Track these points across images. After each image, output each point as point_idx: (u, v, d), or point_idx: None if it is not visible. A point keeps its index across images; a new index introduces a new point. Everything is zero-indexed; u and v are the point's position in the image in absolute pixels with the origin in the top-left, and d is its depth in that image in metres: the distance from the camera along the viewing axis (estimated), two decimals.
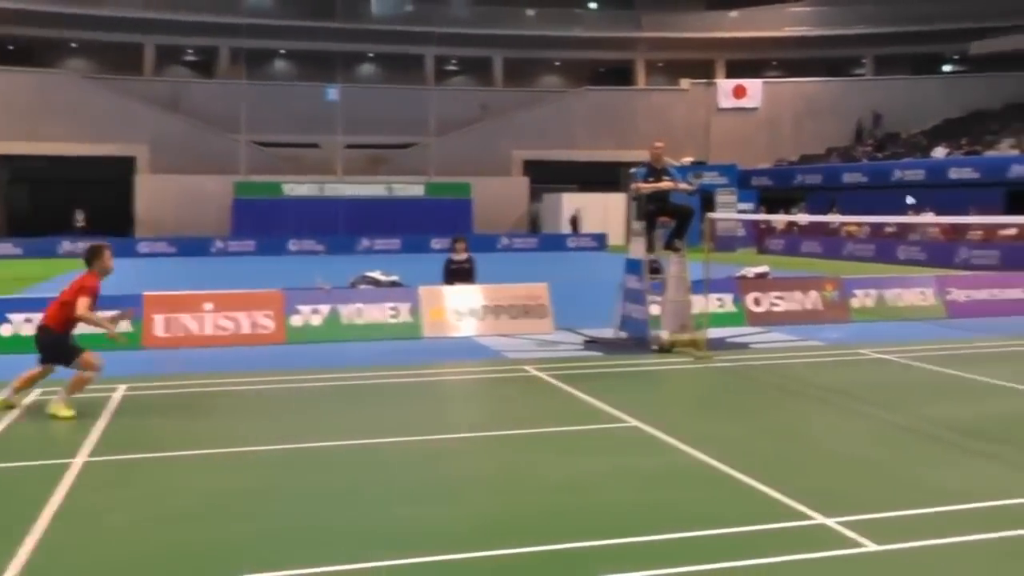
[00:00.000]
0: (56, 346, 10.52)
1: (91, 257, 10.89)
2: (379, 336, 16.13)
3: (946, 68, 63.99)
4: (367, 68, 63.83)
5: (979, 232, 36.23)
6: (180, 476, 8.19)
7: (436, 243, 42.65)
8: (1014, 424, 10.31)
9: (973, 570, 6.06)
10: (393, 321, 16.55)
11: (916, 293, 19.85)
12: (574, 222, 51.54)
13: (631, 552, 6.32)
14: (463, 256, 18.44)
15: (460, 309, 16.97)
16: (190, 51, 61.11)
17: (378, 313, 16.60)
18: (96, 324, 10.75)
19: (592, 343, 15.88)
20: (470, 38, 59.81)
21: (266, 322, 15.94)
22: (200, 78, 60.36)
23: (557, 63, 65.03)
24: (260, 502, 7.49)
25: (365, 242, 46.05)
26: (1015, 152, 44.58)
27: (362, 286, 18.13)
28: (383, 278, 18.66)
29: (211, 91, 56.54)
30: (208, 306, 15.82)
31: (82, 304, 10.38)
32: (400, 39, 59.14)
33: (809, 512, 7.06)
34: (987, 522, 6.89)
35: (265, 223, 47.18)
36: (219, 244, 45.14)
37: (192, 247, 43.53)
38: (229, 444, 9.23)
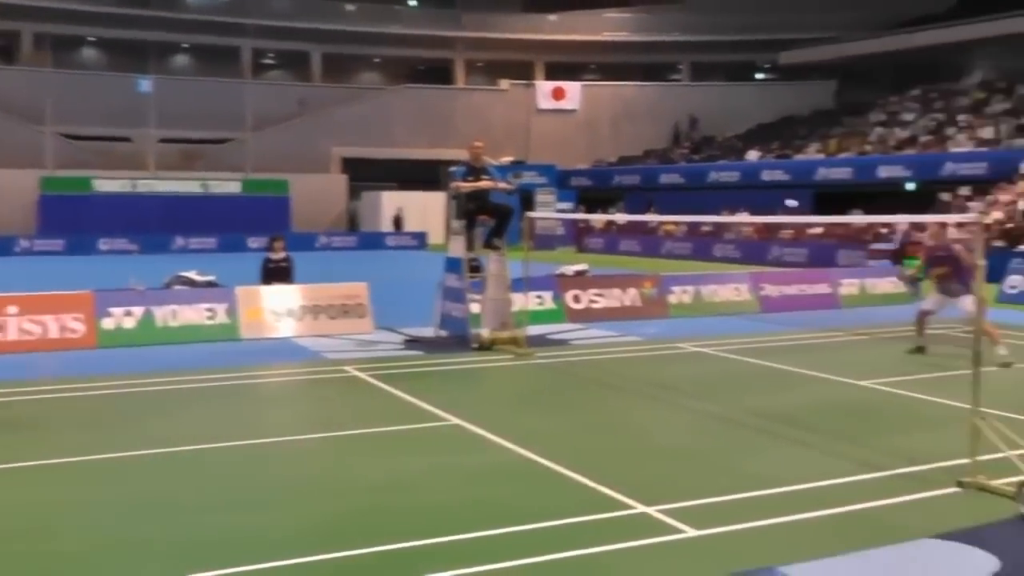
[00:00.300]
0: None
1: None
2: (195, 338, 15.63)
3: (759, 76, 66.25)
4: (181, 59, 61.94)
5: (789, 231, 37.73)
6: None
7: (253, 242, 41.80)
8: (822, 411, 10.73)
9: (784, 550, 6.23)
10: (209, 323, 16.08)
11: (731, 289, 20.48)
12: (397, 221, 51.24)
13: (456, 550, 6.28)
14: (281, 255, 18.12)
15: (278, 309, 16.63)
16: None
17: (194, 314, 16.08)
18: None
19: (412, 342, 15.83)
20: (288, 31, 58.75)
21: (75, 325, 15.24)
22: (0, 64, 57.42)
23: (376, 60, 64.59)
24: (73, 517, 7.13)
25: (180, 241, 44.77)
26: (821, 156, 46.60)
27: (177, 287, 17.62)
28: (199, 278, 18.19)
29: (13, 78, 53.44)
30: (12, 309, 15.00)
31: None
32: (216, 30, 57.44)
33: (630, 502, 7.17)
34: (798, 504, 7.17)
35: (74, 220, 45.27)
36: (24, 243, 43.13)
37: None
38: (37, 456, 8.72)
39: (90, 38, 58.90)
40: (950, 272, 14.03)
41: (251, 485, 7.91)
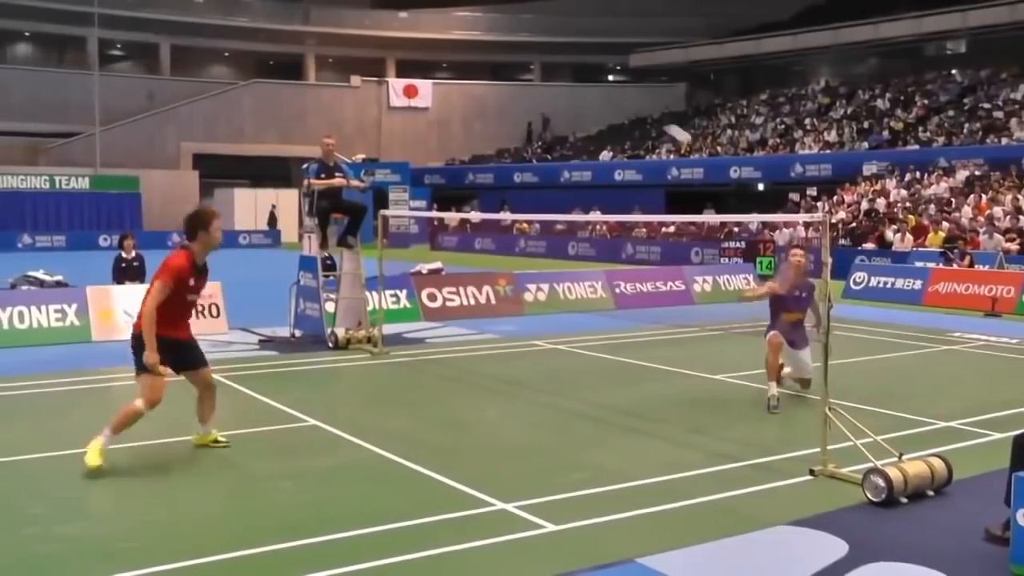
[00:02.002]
0: (136, 349, 8.12)
1: (193, 226, 8.49)
2: (44, 341, 15.05)
3: (609, 78, 67.16)
4: (23, 48, 59.57)
5: (643, 229, 38.36)
6: None
7: (104, 239, 40.80)
8: (677, 405, 10.93)
9: (643, 542, 6.30)
10: (59, 324, 15.52)
11: (587, 286, 20.70)
12: (272, 218, 50.11)
13: (313, 553, 6.18)
14: (132, 254, 17.66)
15: (131, 310, 16.05)
16: None
17: (42, 316, 15.52)
18: (148, 341, 7.95)
19: (267, 342, 15.59)
20: (135, 21, 57.06)
21: None
22: None
23: (226, 53, 63.32)
24: None
25: (26, 239, 43.36)
26: (673, 156, 47.50)
27: (24, 287, 17.07)
28: (47, 278, 17.67)
29: None
30: None
31: (151, 294, 8.00)
32: (60, 18, 55.22)
33: (489, 499, 7.18)
34: (654, 497, 7.28)
35: None
36: None
37: None
38: None
39: None
40: (803, 316, 11.09)
41: (97, 494, 7.62)
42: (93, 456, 7.77)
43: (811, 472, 7.77)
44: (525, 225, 43.35)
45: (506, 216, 36.37)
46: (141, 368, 8.11)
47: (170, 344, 8.15)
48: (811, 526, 6.62)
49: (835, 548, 6.19)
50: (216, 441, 8.79)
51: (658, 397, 11.39)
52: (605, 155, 51.07)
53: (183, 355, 8.46)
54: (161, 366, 8.04)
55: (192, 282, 8.31)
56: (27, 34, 58.52)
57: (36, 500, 7.39)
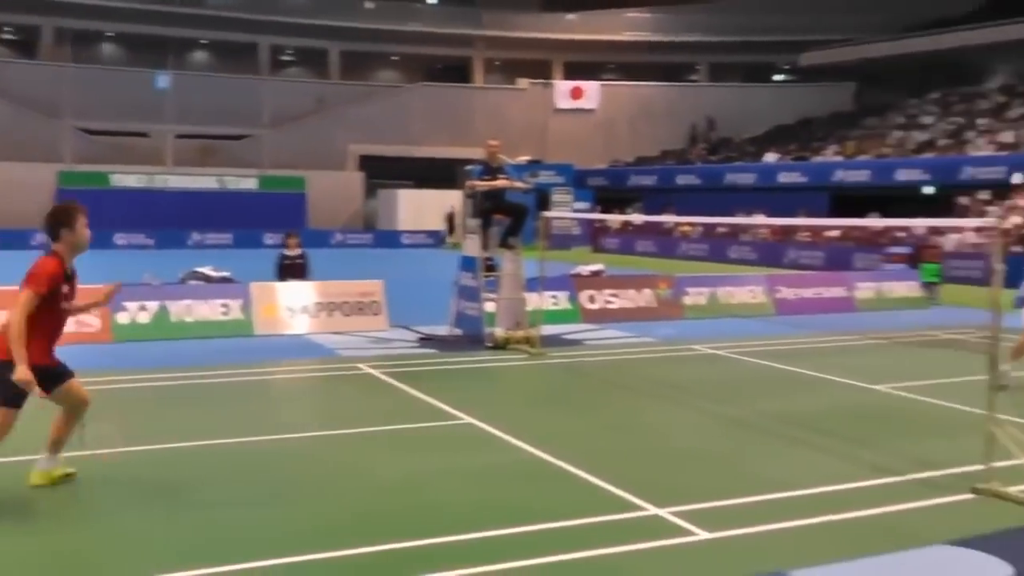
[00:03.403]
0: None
1: (54, 225, 7.66)
2: (210, 334, 15.65)
3: (777, 77, 65.92)
4: (200, 55, 61.84)
5: (806, 233, 37.58)
6: None
7: (269, 238, 42.04)
8: (836, 415, 10.67)
9: (797, 554, 6.20)
10: (224, 318, 16.10)
11: (747, 291, 20.40)
12: (450, 219, 50.46)
13: (462, 550, 6.26)
14: (296, 252, 18.14)
15: (293, 306, 16.65)
16: (8, 29, 57.80)
17: (208, 310, 16.11)
18: (19, 354, 6.77)
19: (426, 340, 15.82)
20: (305, 28, 58.57)
21: (91, 320, 15.27)
22: (20, 58, 57.28)
23: (395, 57, 64.41)
24: (75, 509, 7.19)
25: (196, 236, 45.02)
26: (839, 158, 46.38)
27: (192, 282, 17.69)
28: (214, 274, 18.27)
29: (33, 73, 53.26)
30: None
31: (19, 306, 6.92)
32: (234, 26, 57.43)
33: (642, 503, 7.15)
34: (811, 508, 7.13)
35: (91, 215, 44.98)
36: (41, 236, 43.07)
37: (11, 239, 41.31)
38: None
39: (109, 33, 58.79)
40: None
41: (259, 482, 7.89)
42: None
43: (974, 490, 7.48)
44: (687, 228, 43.02)
45: (667, 218, 36.10)
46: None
47: (44, 373, 7.01)
48: (973, 547, 6.36)
49: (999, 571, 5.95)
50: (67, 475, 7.57)
51: (817, 406, 11.16)
52: (769, 157, 50.16)
53: (54, 378, 7.28)
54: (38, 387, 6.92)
55: (65, 290, 7.29)
56: (204, 42, 60.61)
57: (197, 484, 7.72)
